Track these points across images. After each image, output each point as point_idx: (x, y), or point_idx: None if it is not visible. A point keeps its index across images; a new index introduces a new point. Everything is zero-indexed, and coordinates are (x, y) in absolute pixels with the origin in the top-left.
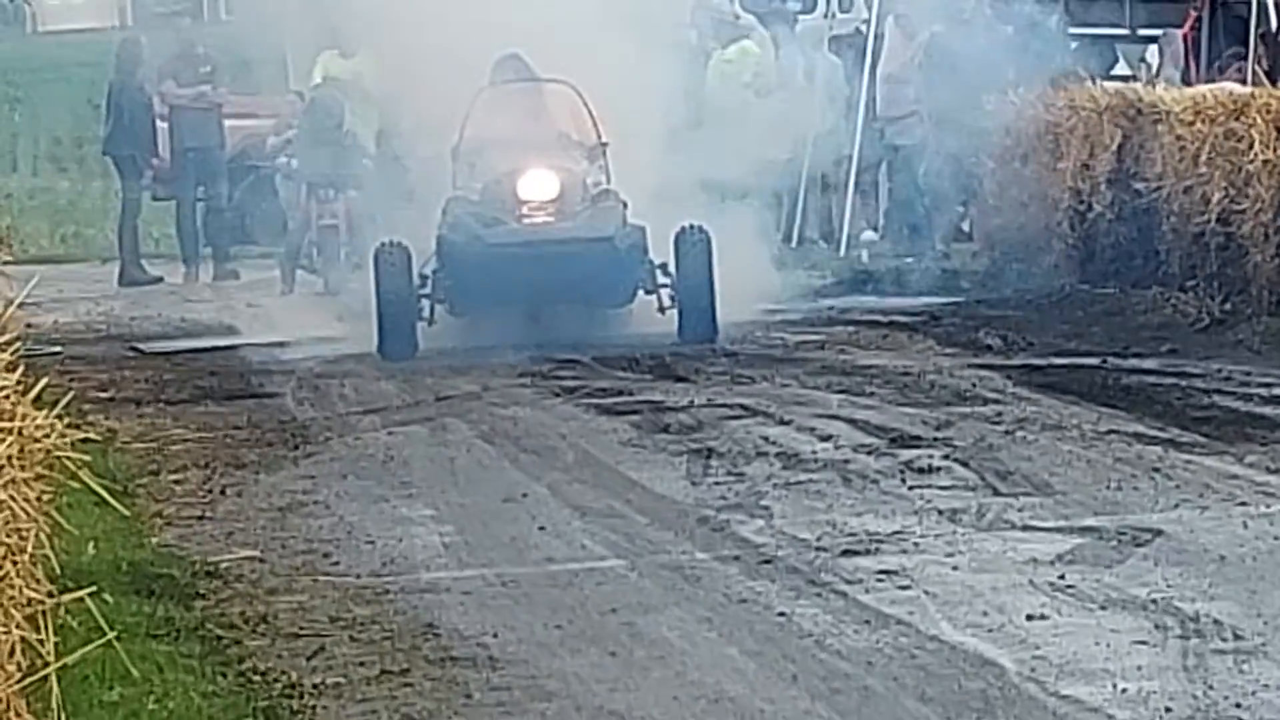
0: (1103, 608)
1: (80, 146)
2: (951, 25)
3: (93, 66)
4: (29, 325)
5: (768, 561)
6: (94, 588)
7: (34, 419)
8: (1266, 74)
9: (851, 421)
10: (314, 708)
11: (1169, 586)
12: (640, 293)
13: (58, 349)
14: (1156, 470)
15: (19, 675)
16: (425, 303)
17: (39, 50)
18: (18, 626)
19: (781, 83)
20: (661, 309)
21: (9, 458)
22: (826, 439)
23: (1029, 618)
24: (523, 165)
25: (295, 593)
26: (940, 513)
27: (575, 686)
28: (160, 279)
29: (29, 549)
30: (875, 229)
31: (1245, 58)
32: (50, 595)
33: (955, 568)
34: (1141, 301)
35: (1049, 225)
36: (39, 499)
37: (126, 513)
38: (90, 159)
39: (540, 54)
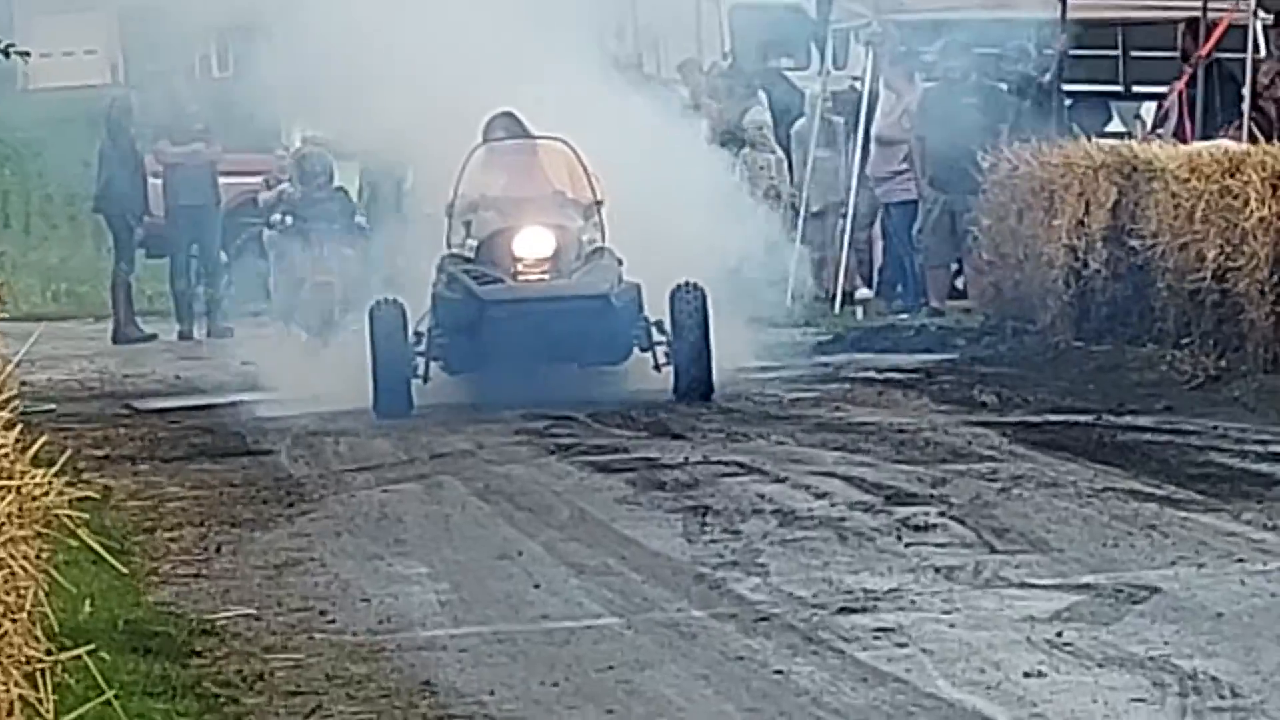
0: (1100, 665)
1: (72, 204)
2: (944, 83)
3: (84, 124)
4: (23, 383)
5: (764, 619)
6: (91, 646)
7: (33, 477)
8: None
9: (847, 479)
10: None
11: (1166, 644)
12: (636, 350)
13: (52, 407)
14: (1153, 527)
15: None
16: (420, 360)
17: (30, 108)
18: (16, 685)
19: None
20: (657, 366)
21: (9, 515)
22: (822, 496)
23: (1026, 675)
24: (518, 223)
25: (292, 650)
26: (937, 570)
27: None
28: (154, 336)
29: (28, 607)
30: (870, 286)
31: (1241, 115)
32: (49, 653)
33: (952, 625)
34: (1137, 359)
35: (1044, 282)
36: (38, 556)
37: (124, 570)
38: (82, 216)
39: (530, 111)
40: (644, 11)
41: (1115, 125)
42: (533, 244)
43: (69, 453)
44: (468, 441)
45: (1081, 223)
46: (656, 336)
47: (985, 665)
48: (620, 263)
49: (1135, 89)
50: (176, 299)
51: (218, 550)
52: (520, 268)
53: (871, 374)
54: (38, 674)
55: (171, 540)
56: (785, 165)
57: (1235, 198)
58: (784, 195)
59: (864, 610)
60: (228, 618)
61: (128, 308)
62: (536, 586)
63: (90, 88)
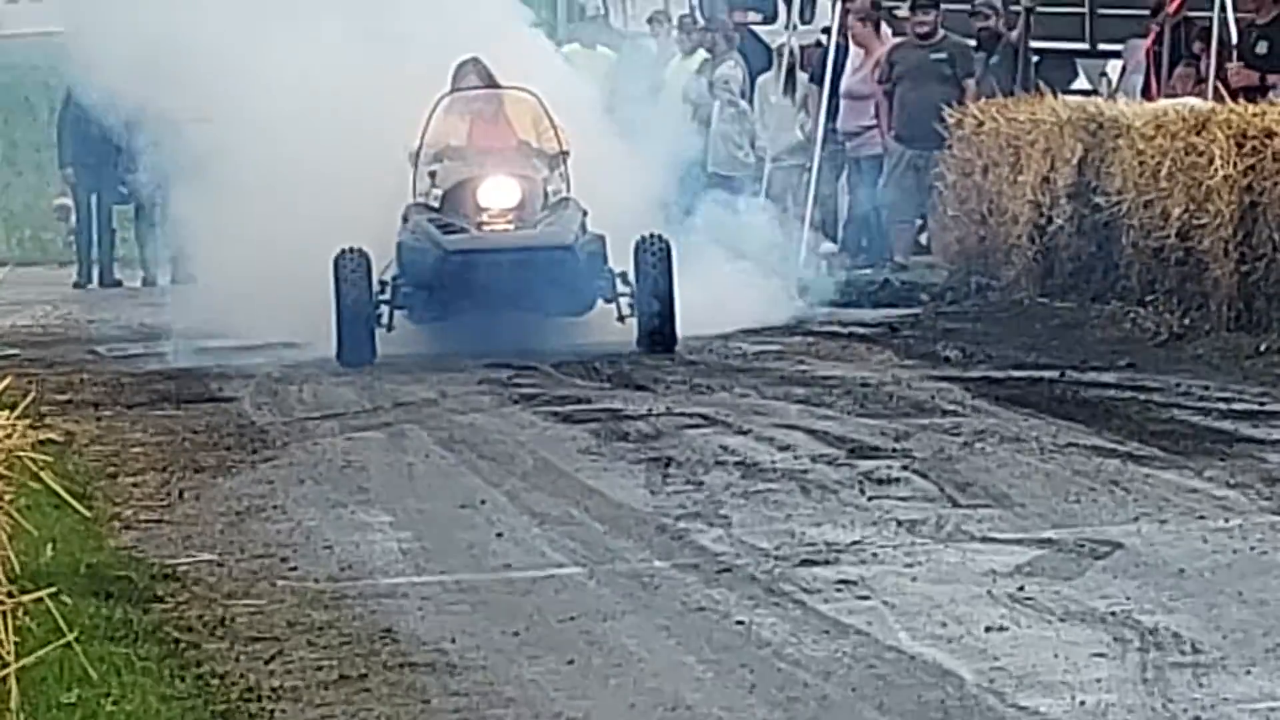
0: (1061, 620)
1: (38, 150)
2: (911, 39)
3: (51, 71)
4: None
5: (726, 570)
6: (53, 589)
7: None
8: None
9: (810, 432)
10: (272, 712)
11: (1128, 599)
12: (600, 301)
13: (15, 352)
14: (1115, 483)
15: None
16: (384, 309)
17: None
18: None
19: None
20: (621, 318)
21: None
22: (785, 449)
23: (988, 629)
24: (483, 173)
25: (253, 597)
26: (899, 523)
27: (533, 693)
28: (119, 283)
29: None
30: (835, 241)
31: (1202, 69)
32: (10, 595)
33: (914, 578)
34: (1100, 315)
35: (1008, 238)
36: (0, 499)
37: (86, 515)
38: (47, 163)
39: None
40: None
41: (1081, 83)
42: (498, 194)
43: (32, 397)
44: (431, 390)
45: (1047, 179)
46: (620, 288)
47: (947, 619)
48: (585, 213)
49: (1101, 46)
50: (141, 245)
51: (180, 496)
52: (485, 217)
53: (835, 328)
54: None
55: (134, 485)
56: (749, 120)
57: (1200, 155)
58: (741, 154)
59: (826, 563)
60: (189, 563)
61: (88, 254)
62: (499, 536)
63: (59, 34)
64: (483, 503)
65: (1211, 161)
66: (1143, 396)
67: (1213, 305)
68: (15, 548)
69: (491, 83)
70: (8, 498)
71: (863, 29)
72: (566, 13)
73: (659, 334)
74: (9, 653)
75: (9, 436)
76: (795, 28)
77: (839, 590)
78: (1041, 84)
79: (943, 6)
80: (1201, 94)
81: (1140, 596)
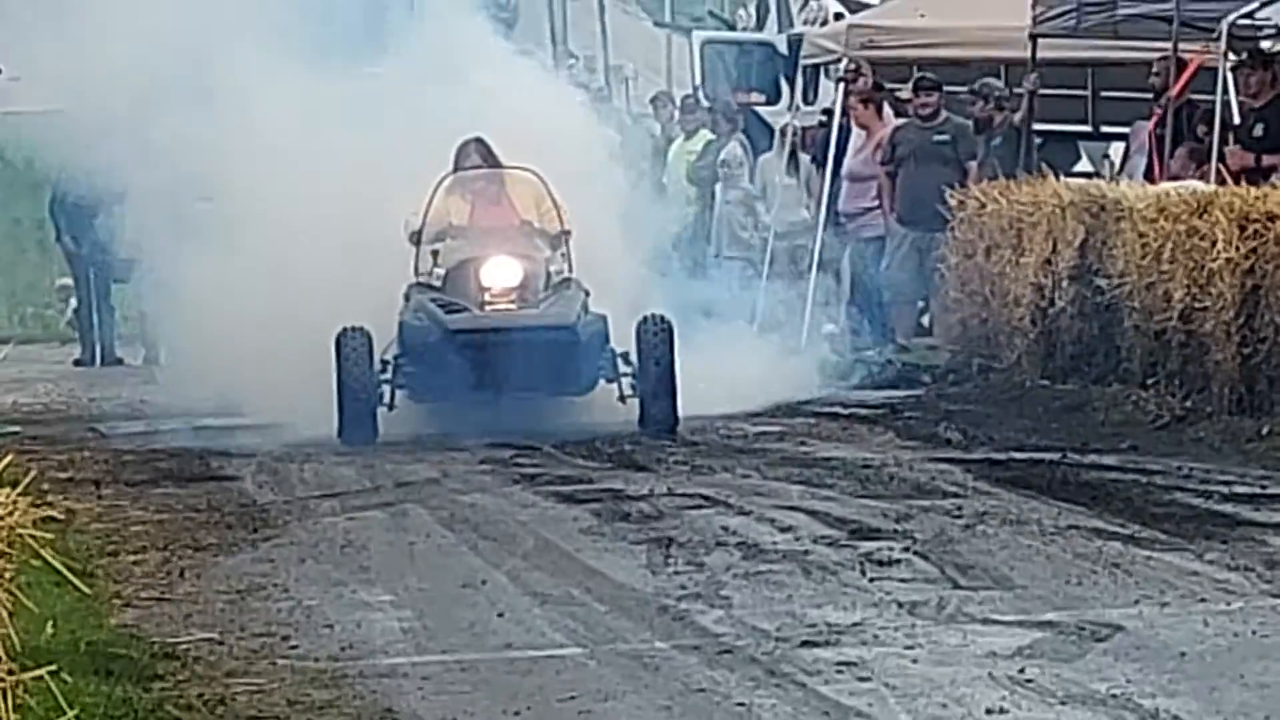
0: (1062, 702)
1: (40, 228)
2: (913, 120)
3: (53, 148)
4: None
5: (727, 651)
6: (53, 667)
7: None
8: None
9: (812, 513)
10: None
11: (1129, 682)
12: (601, 381)
13: (17, 429)
14: (1116, 566)
15: None
16: (386, 388)
17: (2, 131)
18: None
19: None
20: (622, 398)
21: None
22: (786, 530)
23: (989, 711)
24: (485, 252)
25: (253, 675)
26: (900, 605)
27: None
28: (120, 361)
29: None
30: (836, 321)
31: (1205, 152)
32: (10, 673)
33: (915, 660)
34: (1102, 398)
35: (1010, 320)
36: (1, 576)
37: (87, 593)
38: (50, 241)
39: (500, 141)
40: (615, 46)
41: (1083, 165)
42: (500, 274)
43: (33, 475)
44: (433, 470)
45: (1049, 261)
46: (622, 368)
47: (948, 701)
48: (587, 293)
49: (1104, 129)
50: (142, 323)
51: (181, 574)
52: (487, 297)
53: (837, 409)
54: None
55: (135, 564)
56: (754, 200)
57: (1202, 238)
58: (745, 235)
59: (827, 644)
60: (190, 642)
61: (89, 332)
62: (500, 615)
63: (61, 112)
64: (484, 582)
65: (1214, 244)
66: (1144, 479)
67: (1215, 388)
68: (16, 625)
69: (493, 162)
70: (8, 575)
71: (865, 110)
72: None
73: (660, 414)
74: None
75: (10, 514)
76: (798, 109)
77: (840, 671)
78: (1044, 166)
79: (944, 88)
80: (1202, 176)
81: (1141, 679)
